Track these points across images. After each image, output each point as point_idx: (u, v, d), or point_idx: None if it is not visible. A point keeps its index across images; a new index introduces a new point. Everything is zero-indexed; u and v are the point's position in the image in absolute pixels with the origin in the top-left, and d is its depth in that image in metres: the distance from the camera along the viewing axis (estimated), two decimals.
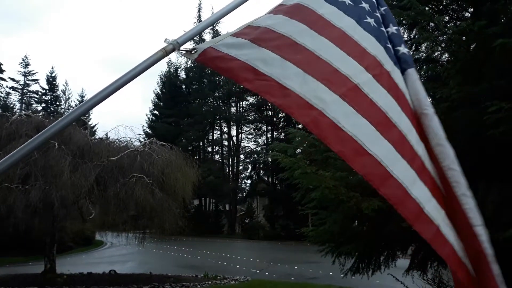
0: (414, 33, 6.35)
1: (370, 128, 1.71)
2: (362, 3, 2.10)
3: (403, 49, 2.13)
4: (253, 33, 1.83)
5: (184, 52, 1.76)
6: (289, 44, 1.81)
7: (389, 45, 2.05)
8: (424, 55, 6.20)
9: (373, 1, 2.17)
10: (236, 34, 1.83)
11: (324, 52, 1.81)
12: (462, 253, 1.70)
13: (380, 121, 1.74)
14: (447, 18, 6.24)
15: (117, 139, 16.46)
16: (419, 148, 1.81)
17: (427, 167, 1.79)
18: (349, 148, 1.66)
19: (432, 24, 5.58)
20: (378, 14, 2.13)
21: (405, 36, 6.29)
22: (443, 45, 5.54)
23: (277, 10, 1.96)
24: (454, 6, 6.22)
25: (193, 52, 1.76)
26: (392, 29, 2.20)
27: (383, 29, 2.10)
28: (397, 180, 1.65)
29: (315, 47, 1.82)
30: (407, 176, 1.69)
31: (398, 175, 1.66)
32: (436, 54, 6.13)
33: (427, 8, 5.85)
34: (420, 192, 1.68)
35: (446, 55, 6.00)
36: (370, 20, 2.05)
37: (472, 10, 5.94)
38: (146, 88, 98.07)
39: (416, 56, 6.09)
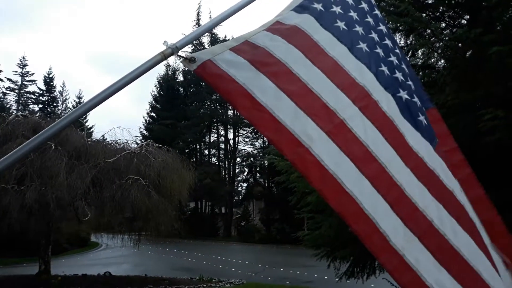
0: (410, 39, 6.38)
1: (350, 165, 1.78)
2: (356, 27, 2.15)
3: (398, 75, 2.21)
4: (252, 52, 1.88)
5: (183, 59, 1.77)
6: (284, 72, 1.87)
7: (383, 68, 2.10)
8: (421, 61, 6.23)
9: (368, 21, 2.21)
10: (235, 50, 1.86)
11: (316, 85, 1.88)
12: (431, 275, 1.75)
13: (360, 157, 1.81)
14: (443, 25, 6.27)
15: (113, 141, 16.47)
16: (401, 176, 1.86)
17: (407, 195, 1.84)
18: (329, 187, 1.72)
19: (429, 31, 5.62)
20: (372, 35, 2.17)
21: (402, 42, 6.32)
22: (440, 51, 5.58)
23: (275, 30, 1.99)
24: (450, 13, 6.25)
25: (192, 61, 1.77)
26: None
27: (378, 50, 2.14)
28: (368, 216, 1.71)
29: (308, 78, 1.89)
30: (378, 210, 1.75)
31: (369, 211, 1.72)
32: (432, 60, 6.17)
33: (423, 15, 5.88)
34: (390, 225, 1.74)
35: (443, 61, 6.04)
36: (362, 45, 2.10)
37: (468, 17, 5.98)
38: (144, 90, 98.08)
39: (412, 62, 6.12)
